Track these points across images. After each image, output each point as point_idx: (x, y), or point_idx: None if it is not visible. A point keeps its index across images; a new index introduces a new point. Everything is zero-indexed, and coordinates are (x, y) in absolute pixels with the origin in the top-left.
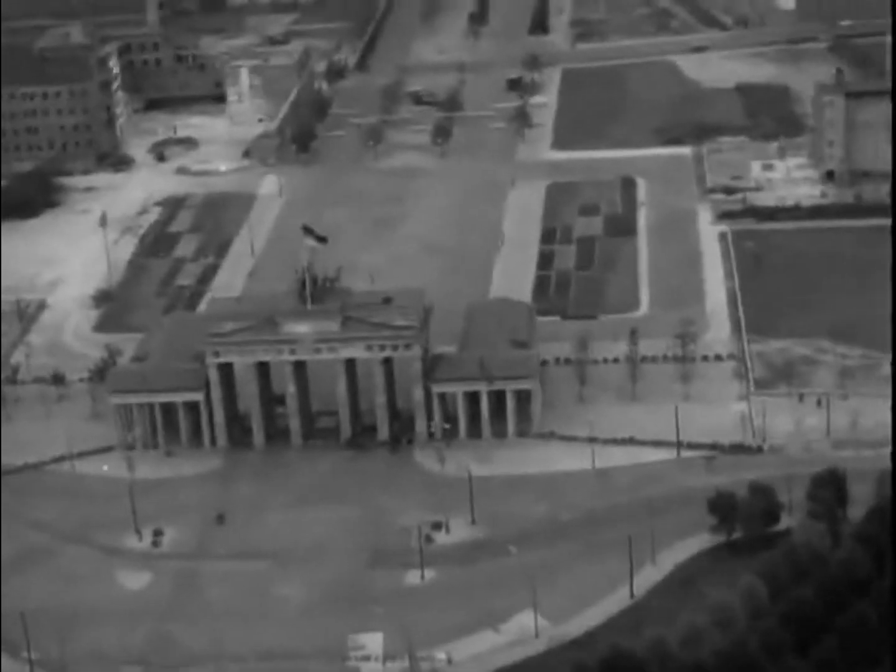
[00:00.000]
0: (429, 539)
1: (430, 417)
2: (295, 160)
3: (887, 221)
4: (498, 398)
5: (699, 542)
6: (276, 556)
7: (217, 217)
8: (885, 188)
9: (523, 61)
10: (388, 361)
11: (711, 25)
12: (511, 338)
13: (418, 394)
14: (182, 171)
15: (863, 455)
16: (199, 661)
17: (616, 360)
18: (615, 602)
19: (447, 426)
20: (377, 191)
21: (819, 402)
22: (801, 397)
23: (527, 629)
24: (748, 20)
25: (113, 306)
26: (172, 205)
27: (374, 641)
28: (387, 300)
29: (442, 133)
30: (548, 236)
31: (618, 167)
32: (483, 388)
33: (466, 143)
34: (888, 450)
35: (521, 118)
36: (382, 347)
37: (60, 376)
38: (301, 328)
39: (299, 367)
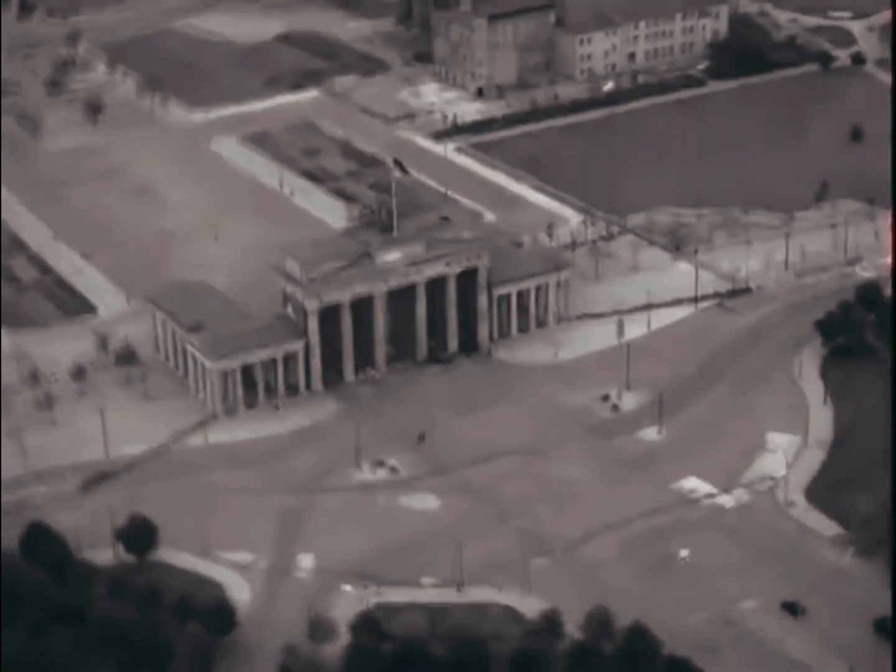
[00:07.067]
0: (615, 408)
1: (491, 322)
2: None
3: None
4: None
5: (817, 351)
6: (523, 452)
7: None
8: (541, 93)
9: (66, 38)
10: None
11: None
12: (512, 241)
13: (483, 301)
14: None
15: (821, 278)
16: None
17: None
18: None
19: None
20: (93, 170)
21: (695, 252)
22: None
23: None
24: None
25: None
26: None
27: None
28: (444, 219)
29: (97, 108)
30: (311, 177)
31: (277, 114)
32: (532, 285)
33: (103, 117)
34: (837, 272)
35: (154, 83)
36: (459, 262)
37: (81, 369)
38: (394, 256)
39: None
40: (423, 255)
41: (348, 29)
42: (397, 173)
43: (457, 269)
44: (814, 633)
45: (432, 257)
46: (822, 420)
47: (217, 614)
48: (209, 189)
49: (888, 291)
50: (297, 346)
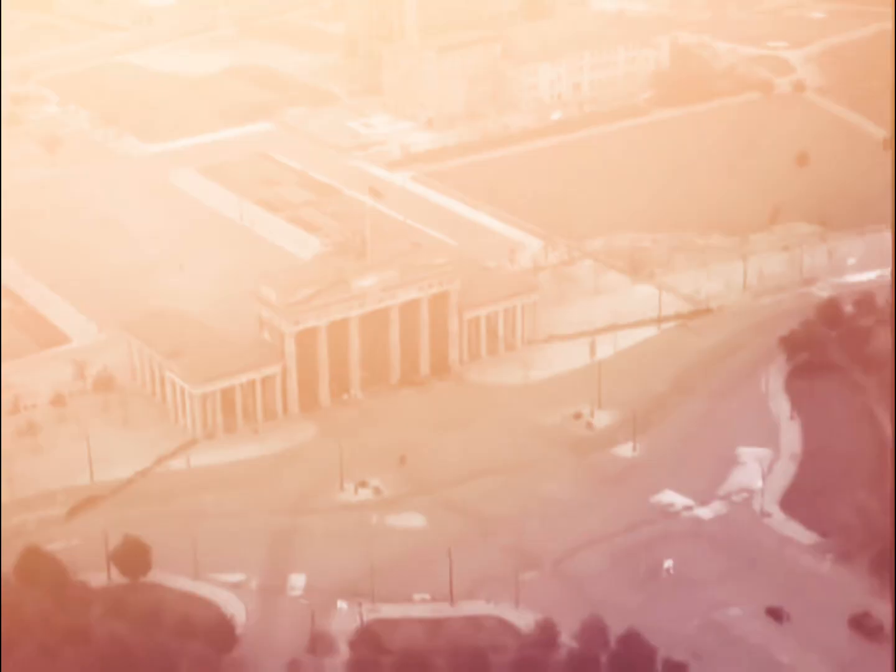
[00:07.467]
0: (590, 426)
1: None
2: None
3: (525, 146)
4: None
5: (781, 368)
6: (503, 470)
7: None
8: (490, 123)
9: (17, 75)
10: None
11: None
12: (481, 266)
13: (454, 324)
14: None
15: (779, 298)
16: None
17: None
18: None
19: None
20: (55, 202)
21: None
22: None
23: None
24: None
25: None
26: None
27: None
28: (415, 244)
29: (54, 142)
30: (270, 207)
31: (232, 146)
32: (501, 308)
33: (61, 150)
34: (794, 292)
35: (107, 116)
36: (431, 285)
37: (61, 397)
38: (369, 282)
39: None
40: (397, 279)
41: (295, 62)
42: (372, 200)
43: (429, 292)
44: (798, 637)
45: (406, 281)
46: (791, 433)
47: (218, 632)
48: (171, 220)
49: (848, 309)
50: (275, 369)
